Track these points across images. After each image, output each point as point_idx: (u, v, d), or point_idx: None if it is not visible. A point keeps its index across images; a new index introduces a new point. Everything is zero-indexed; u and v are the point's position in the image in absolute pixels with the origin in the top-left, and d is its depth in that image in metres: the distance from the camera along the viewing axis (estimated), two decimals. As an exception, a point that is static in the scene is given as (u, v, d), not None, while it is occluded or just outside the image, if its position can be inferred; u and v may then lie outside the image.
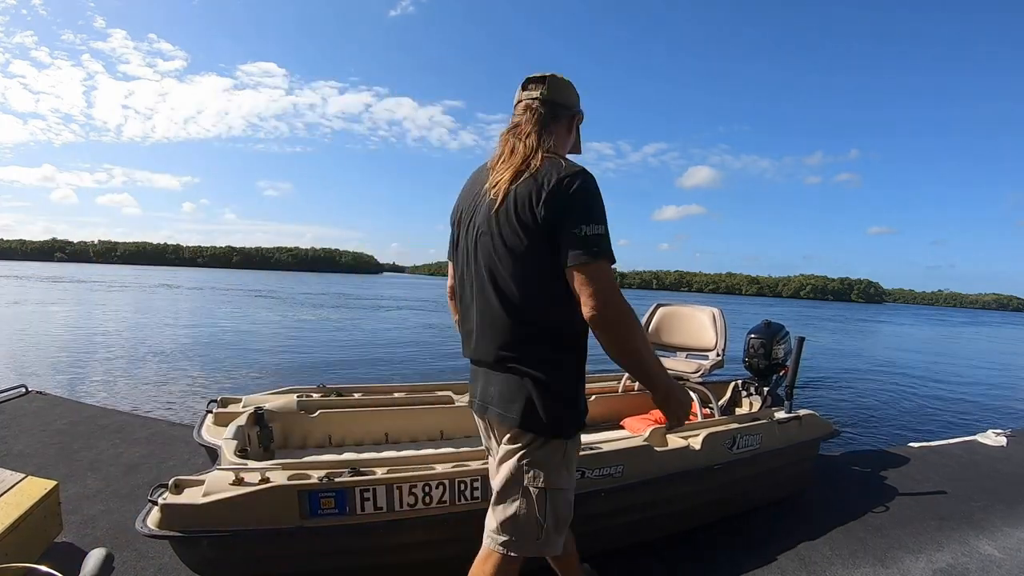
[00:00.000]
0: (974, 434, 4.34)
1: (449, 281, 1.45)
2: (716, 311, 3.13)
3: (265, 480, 1.60)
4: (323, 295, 33.01)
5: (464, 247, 1.32)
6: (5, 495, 1.79)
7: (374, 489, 1.67)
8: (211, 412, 2.42)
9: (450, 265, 1.43)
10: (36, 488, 1.87)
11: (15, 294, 22.24)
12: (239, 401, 2.54)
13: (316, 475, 1.67)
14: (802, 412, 2.76)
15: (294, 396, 2.59)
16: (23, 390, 4.09)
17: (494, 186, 1.23)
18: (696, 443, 2.25)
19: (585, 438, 2.56)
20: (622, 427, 2.92)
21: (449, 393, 2.90)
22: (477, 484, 1.79)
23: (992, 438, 4.14)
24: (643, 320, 3.42)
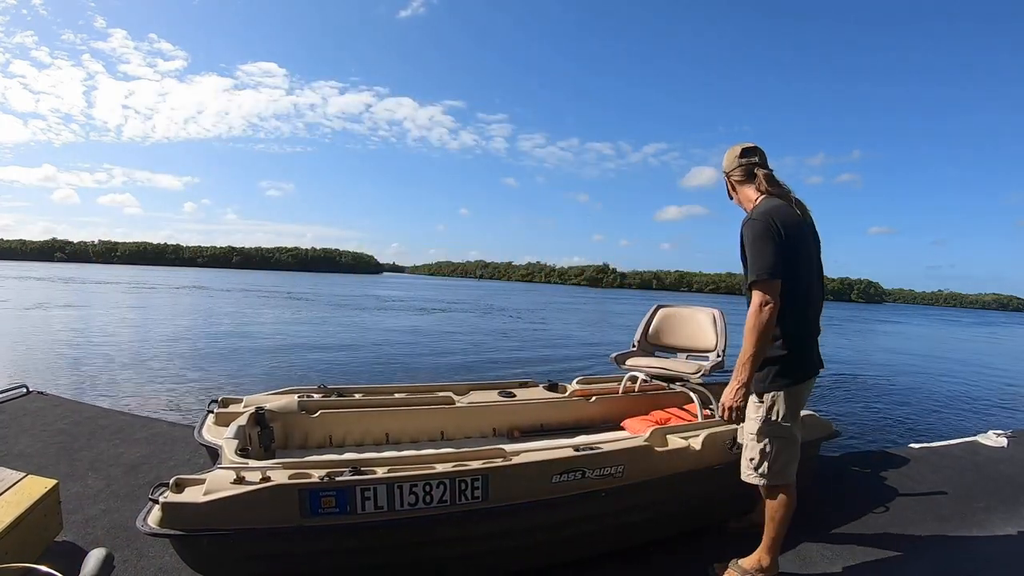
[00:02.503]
0: (975, 435, 4.33)
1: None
2: (716, 312, 3.13)
3: (266, 479, 1.60)
4: (358, 296, 32.96)
5: (810, 264, 1.93)
6: (5, 494, 1.79)
7: (375, 488, 1.67)
8: (212, 412, 2.42)
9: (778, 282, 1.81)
10: (36, 487, 1.87)
11: (34, 296, 22.20)
12: (240, 401, 2.54)
13: (317, 474, 1.67)
14: (802, 413, 2.76)
15: (295, 396, 2.60)
16: (24, 390, 4.09)
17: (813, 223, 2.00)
18: (696, 443, 2.25)
19: (585, 439, 2.57)
20: (623, 428, 2.92)
21: (450, 394, 2.90)
22: (478, 484, 1.79)
23: (993, 439, 4.13)
24: (643, 322, 3.42)
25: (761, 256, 1.78)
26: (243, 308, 20.96)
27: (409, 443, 2.67)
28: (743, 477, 2.00)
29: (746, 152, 2.04)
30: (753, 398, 1.93)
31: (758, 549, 2.03)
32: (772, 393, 1.89)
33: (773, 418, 1.90)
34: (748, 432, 1.98)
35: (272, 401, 2.52)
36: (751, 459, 1.96)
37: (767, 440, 1.91)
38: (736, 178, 2.05)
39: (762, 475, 1.94)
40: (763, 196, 1.95)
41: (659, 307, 3.40)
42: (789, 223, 1.85)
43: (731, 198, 2.13)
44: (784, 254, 1.78)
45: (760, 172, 2.00)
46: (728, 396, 1.88)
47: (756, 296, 1.78)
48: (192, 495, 1.56)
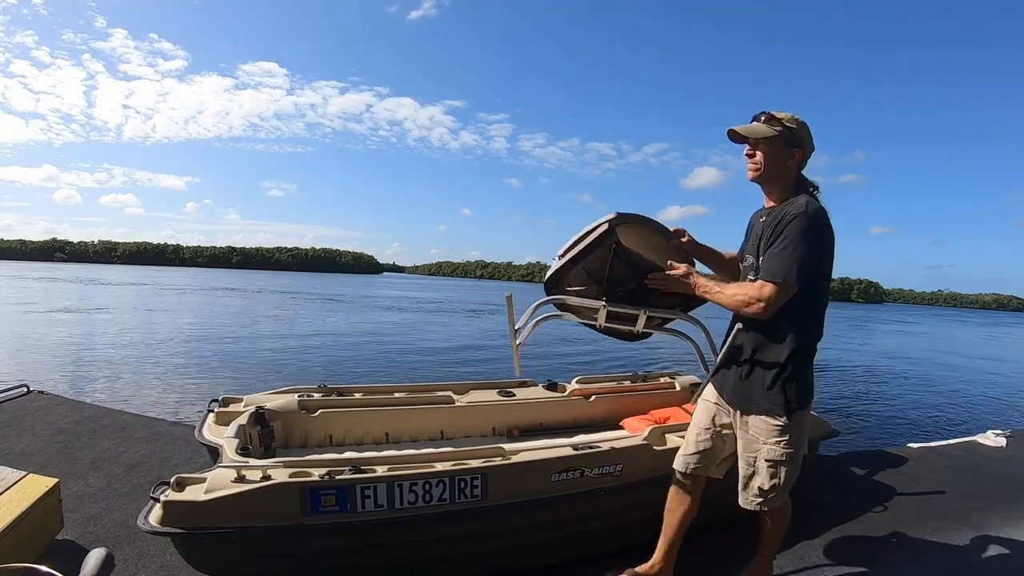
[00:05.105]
0: (974, 434, 4.34)
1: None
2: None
3: (267, 478, 1.61)
4: (362, 296, 33.03)
5: (830, 273, 1.71)
6: (6, 493, 1.80)
7: (375, 487, 1.68)
8: (212, 411, 2.43)
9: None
10: (37, 486, 1.88)
11: (45, 297, 22.18)
12: (240, 400, 2.55)
13: (317, 473, 1.68)
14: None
15: (295, 396, 2.60)
16: (24, 390, 4.10)
17: None
18: (695, 442, 2.26)
19: (584, 438, 2.57)
20: (622, 427, 2.92)
21: (449, 393, 2.90)
22: (477, 483, 1.81)
23: (992, 439, 4.14)
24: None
25: (798, 259, 1.55)
26: (245, 307, 20.96)
27: (409, 442, 2.67)
28: (751, 505, 1.80)
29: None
30: (772, 421, 1.70)
31: (755, 567, 2.00)
32: (799, 412, 1.71)
33: (796, 439, 1.72)
34: (767, 458, 1.73)
35: (272, 400, 2.53)
36: (771, 486, 1.75)
37: (792, 463, 1.73)
38: (798, 158, 1.68)
39: (774, 500, 1.78)
40: (805, 195, 1.66)
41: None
42: (832, 231, 1.66)
43: (761, 172, 1.69)
44: (822, 268, 1.65)
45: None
46: (681, 274, 1.86)
47: (768, 290, 1.58)
48: (193, 493, 1.57)
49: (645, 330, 2.21)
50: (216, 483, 1.58)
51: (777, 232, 1.60)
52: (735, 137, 1.70)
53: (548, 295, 2.20)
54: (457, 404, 2.82)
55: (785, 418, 1.68)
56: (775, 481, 1.73)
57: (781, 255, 1.57)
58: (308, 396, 2.64)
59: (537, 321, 2.20)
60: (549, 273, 2.18)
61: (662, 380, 3.36)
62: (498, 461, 1.90)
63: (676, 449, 2.22)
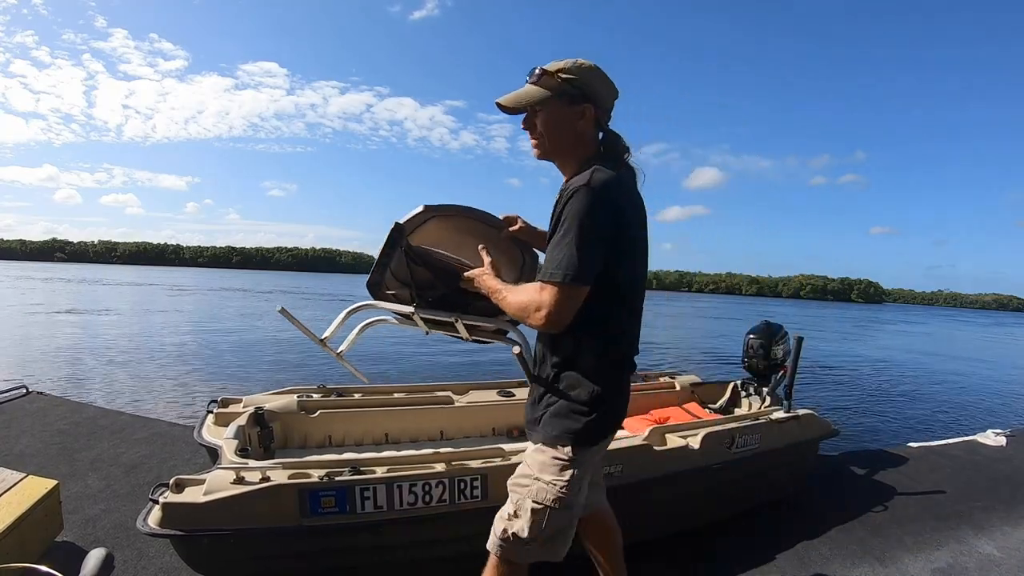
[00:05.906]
0: (974, 434, 4.34)
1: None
2: None
3: (266, 479, 1.61)
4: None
5: (645, 265, 1.37)
6: (6, 494, 1.79)
7: (374, 488, 1.68)
8: (211, 412, 2.43)
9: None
10: (37, 487, 1.88)
11: (46, 298, 22.20)
12: (239, 401, 2.55)
13: (316, 474, 1.68)
14: (801, 412, 2.76)
15: (294, 396, 2.60)
16: (23, 390, 4.10)
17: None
18: (695, 443, 2.26)
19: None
20: (621, 427, 2.92)
21: (449, 393, 2.90)
22: (477, 483, 1.80)
23: (992, 438, 4.15)
24: None
25: (582, 248, 1.16)
26: (245, 308, 20.96)
27: (408, 443, 2.67)
28: (495, 548, 1.34)
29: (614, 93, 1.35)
30: (551, 452, 1.28)
31: None
32: (587, 449, 1.29)
33: (578, 480, 1.29)
34: (535, 499, 1.28)
35: (272, 401, 2.53)
36: (530, 537, 1.27)
37: (563, 512, 1.28)
38: (590, 116, 1.29)
39: (525, 553, 1.31)
40: (594, 163, 1.24)
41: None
42: (634, 206, 1.29)
43: (544, 146, 1.32)
44: (619, 256, 1.23)
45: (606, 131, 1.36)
46: (474, 276, 1.43)
47: (549, 293, 1.19)
48: (192, 495, 1.57)
49: (477, 339, 1.86)
50: (215, 485, 1.58)
51: (557, 217, 1.23)
52: (506, 110, 1.31)
53: (372, 297, 1.87)
54: (456, 404, 2.82)
55: (569, 449, 1.27)
56: (535, 533, 1.27)
57: (559, 246, 1.18)
58: (307, 397, 2.64)
59: (363, 326, 2.01)
60: (368, 277, 1.83)
61: (662, 380, 3.36)
62: (498, 462, 1.90)
63: (676, 449, 2.23)
